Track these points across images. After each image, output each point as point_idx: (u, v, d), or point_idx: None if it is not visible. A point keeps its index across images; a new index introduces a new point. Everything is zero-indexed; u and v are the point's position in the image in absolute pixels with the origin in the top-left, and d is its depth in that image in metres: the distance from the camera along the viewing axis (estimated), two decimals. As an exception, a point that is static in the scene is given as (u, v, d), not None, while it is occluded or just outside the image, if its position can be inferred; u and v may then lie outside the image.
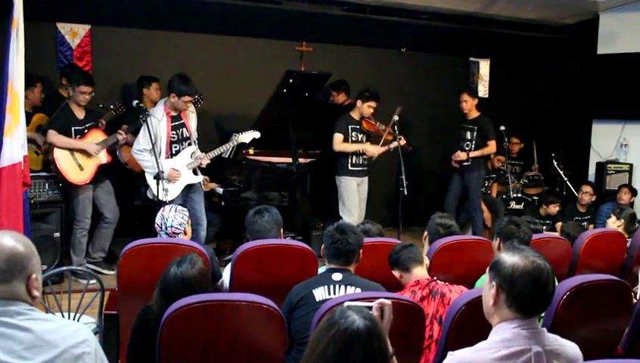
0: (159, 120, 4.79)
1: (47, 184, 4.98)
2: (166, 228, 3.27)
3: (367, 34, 7.24)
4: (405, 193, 5.32)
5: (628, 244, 4.19)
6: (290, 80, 5.54)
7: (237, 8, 6.26)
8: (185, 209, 3.43)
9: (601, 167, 7.38)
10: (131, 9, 5.89)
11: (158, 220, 3.32)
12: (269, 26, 6.71)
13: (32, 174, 4.23)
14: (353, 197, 5.78)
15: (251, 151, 5.96)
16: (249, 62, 6.90)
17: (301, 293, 2.66)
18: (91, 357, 1.71)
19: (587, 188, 6.60)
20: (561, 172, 7.22)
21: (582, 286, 2.46)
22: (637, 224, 5.22)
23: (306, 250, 3.12)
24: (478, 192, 6.41)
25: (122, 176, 5.71)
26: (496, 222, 3.57)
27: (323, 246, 2.82)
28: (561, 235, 4.63)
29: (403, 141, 5.69)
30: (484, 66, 8.31)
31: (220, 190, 5.67)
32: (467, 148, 6.28)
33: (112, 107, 5.48)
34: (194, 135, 5.07)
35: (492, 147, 6.31)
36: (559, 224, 6.22)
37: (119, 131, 5.23)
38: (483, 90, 8.20)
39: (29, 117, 4.90)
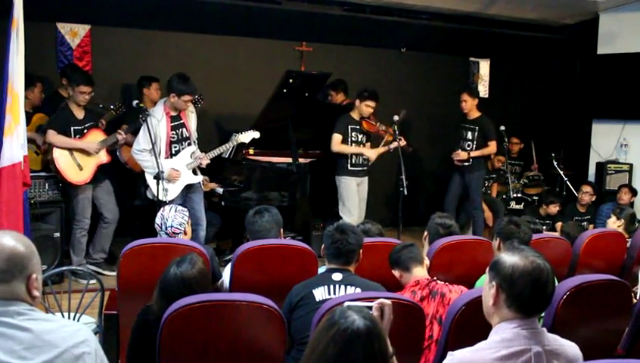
0: (158, 120, 4.79)
1: (47, 184, 4.98)
2: (166, 228, 3.27)
3: (367, 34, 7.24)
4: (405, 193, 5.32)
5: (628, 244, 4.19)
6: (290, 80, 5.53)
7: (237, 8, 6.26)
8: (185, 209, 3.43)
9: (601, 167, 7.39)
10: (131, 9, 5.88)
11: (158, 220, 3.32)
12: (269, 26, 6.71)
13: (32, 174, 4.23)
14: (353, 197, 5.78)
15: (251, 151, 5.96)
16: (249, 62, 6.90)
17: (301, 293, 2.66)
18: (92, 357, 1.71)
19: (587, 188, 6.60)
20: (561, 172, 7.22)
21: (582, 286, 2.46)
22: (637, 224, 5.22)
23: (306, 250, 3.12)
24: (479, 192, 6.41)
25: (122, 176, 5.71)
26: (496, 222, 3.57)
27: (323, 246, 2.82)
28: (561, 235, 4.63)
29: (403, 142, 5.70)
30: (484, 66, 8.31)
31: (220, 190, 5.67)
32: (468, 148, 6.28)
33: (112, 106, 5.48)
34: (194, 135, 5.07)
35: (492, 147, 6.31)
36: (559, 224, 6.22)
37: (119, 131, 5.23)
38: (483, 90, 8.20)
39: (29, 117, 4.91)
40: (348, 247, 2.72)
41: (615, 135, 7.42)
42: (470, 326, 2.16)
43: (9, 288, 1.64)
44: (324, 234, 2.89)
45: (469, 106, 6.27)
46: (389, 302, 1.90)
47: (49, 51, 6.04)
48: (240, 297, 2.27)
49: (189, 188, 5.04)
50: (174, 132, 4.92)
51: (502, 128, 6.40)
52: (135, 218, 5.75)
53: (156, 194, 4.61)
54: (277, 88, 5.58)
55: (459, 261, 3.29)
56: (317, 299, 2.61)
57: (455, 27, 7.36)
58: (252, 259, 3.03)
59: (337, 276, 2.69)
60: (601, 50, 7.39)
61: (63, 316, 3.17)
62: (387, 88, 6.90)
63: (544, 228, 4.85)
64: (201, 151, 5.07)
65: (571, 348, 1.88)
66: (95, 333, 3.11)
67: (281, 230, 3.44)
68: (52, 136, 4.93)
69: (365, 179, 5.93)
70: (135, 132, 5.14)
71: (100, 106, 5.51)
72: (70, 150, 4.99)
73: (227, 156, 5.73)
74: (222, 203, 5.67)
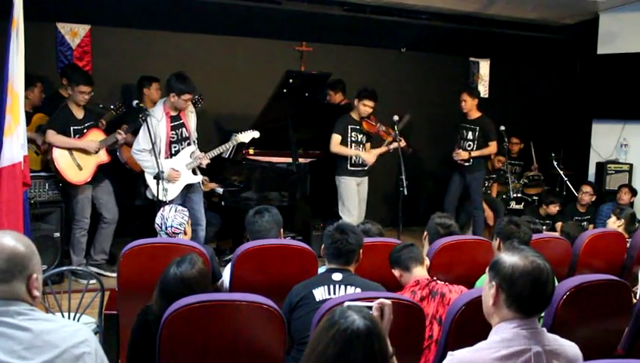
0: (158, 120, 4.79)
1: (47, 184, 4.98)
2: (166, 228, 3.28)
3: (367, 34, 7.24)
4: (405, 193, 5.33)
5: (628, 244, 4.19)
6: (290, 80, 5.54)
7: (237, 8, 6.26)
8: (185, 209, 3.43)
9: (601, 167, 7.38)
10: (131, 9, 5.88)
11: (158, 220, 3.32)
12: (269, 26, 6.71)
13: (32, 174, 4.23)
14: (353, 197, 5.78)
15: (251, 151, 5.96)
16: (249, 62, 6.90)
17: (301, 293, 2.66)
18: (92, 357, 1.71)
19: (587, 188, 6.60)
20: (561, 172, 7.22)
21: (582, 286, 2.46)
22: (637, 224, 5.22)
23: (306, 250, 3.12)
24: (479, 192, 6.42)
25: (122, 176, 5.71)
26: (496, 222, 3.57)
27: (323, 246, 2.82)
28: (561, 235, 4.63)
29: (403, 143, 5.70)
30: (484, 66, 8.31)
31: (220, 190, 5.67)
32: (468, 148, 6.29)
33: (112, 106, 5.48)
34: (194, 135, 5.07)
35: (493, 147, 6.32)
36: (559, 224, 6.22)
37: (119, 130, 5.23)
38: (482, 90, 8.19)
39: (29, 117, 4.90)
40: (348, 247, 2.73)
41: (615, 135, 7.42)
42: (470, 326, 2.16)
43: (9, 288, 1.64)
44: (324, 234, 2.89)
45: (469, 106, 6.27)
46: (389, 302, 1.91)
47: (49, 51, 6.04)
48: (240, 297, 2.27)
49: (189, 188, 5.04)
50: (174, 132, 4.91)
51: (502, 128, 6.40)
52: (135, 218, 5.75)
53: (156, 194, 4.61)
54: (277, 88, 5.58)
55: (459, 261, 3.29)
56: (317, 299, 2.61)
57: (455, 27, 7.36)
58: (252, 259, 3.03)
59: (337, 276, 2.69)
60: (601, 50, 7.39)
61: (63, 316, 3.17)
62: (387, 88, 6.90)
63: (544, 228, 4.85)
64: (201, 151, 5.07)
65: (571, 348, 1.88)
66: (95, 333, 3.11)
67: (281, 230, 3.44)
68: (52, 136, 4.93)
69: (365, 179, 5.93)
70: (134, 132, 5.14)
71: (100, 106, 5.51)
72: (70, 150, 4.99)
73: (227, 156, 5.73)
74: (222, 203, 5.67)
